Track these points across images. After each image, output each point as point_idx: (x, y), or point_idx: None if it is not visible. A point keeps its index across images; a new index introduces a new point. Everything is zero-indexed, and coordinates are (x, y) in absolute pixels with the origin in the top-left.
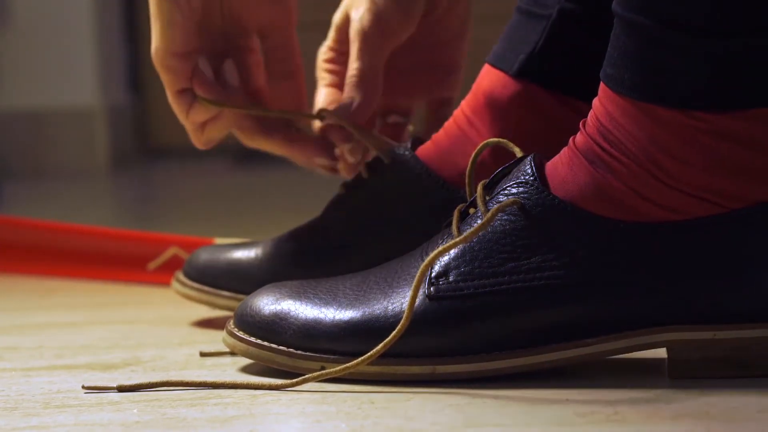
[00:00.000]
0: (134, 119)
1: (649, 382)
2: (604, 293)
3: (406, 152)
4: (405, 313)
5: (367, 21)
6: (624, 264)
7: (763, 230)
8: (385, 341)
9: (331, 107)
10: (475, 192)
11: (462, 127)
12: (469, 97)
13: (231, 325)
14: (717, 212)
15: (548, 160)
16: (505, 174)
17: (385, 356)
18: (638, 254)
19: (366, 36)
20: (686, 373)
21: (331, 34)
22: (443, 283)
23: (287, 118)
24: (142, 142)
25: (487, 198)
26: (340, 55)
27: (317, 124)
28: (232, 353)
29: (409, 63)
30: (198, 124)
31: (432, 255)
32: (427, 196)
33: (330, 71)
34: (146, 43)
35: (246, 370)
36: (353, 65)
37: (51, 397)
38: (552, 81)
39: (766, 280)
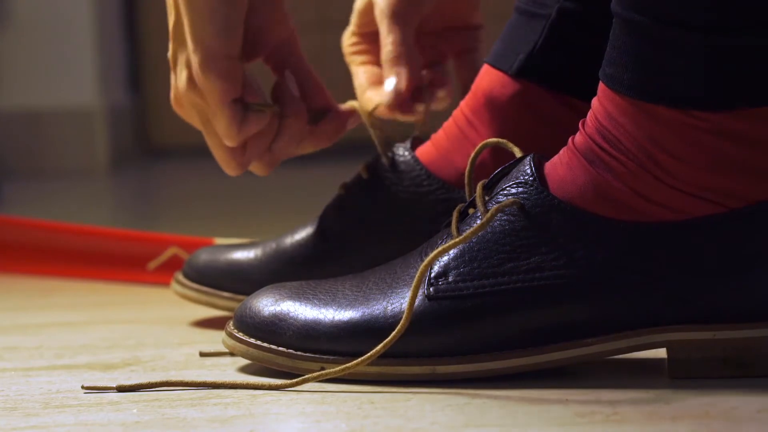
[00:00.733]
0: (134, 119)
1: (649, 382)
2: (604, 293)
3: (406, 152)
4: (404, 313)
5: None
6: (624, 264)
7: (763, 229)
8: (384, 341)
9: (376, 86)
10: (475, 192)
11: (461, 127)
12: (468, 97)
13: (230, 326)
14: (717, 211)
15: (547, 160)
16: (504, 174)
17: (384, 356)
18: (638, 254)
19: (395, 12)
20: (686, 373)
21: (354, 19)
22: (443, 284)
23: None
24: (142, 142)
25: (487, 198)
26: (366, 36)
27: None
28: (232, 353)
29: (430, 27)
30: (245, 139)
31: (431, 255)
32: (427, 196)
33: (360, 52)
34: (146, 43)
35: (246, 370)
36: (387, 41)
37: (51, 397)
38: (551, 80)
39: (766, 280)
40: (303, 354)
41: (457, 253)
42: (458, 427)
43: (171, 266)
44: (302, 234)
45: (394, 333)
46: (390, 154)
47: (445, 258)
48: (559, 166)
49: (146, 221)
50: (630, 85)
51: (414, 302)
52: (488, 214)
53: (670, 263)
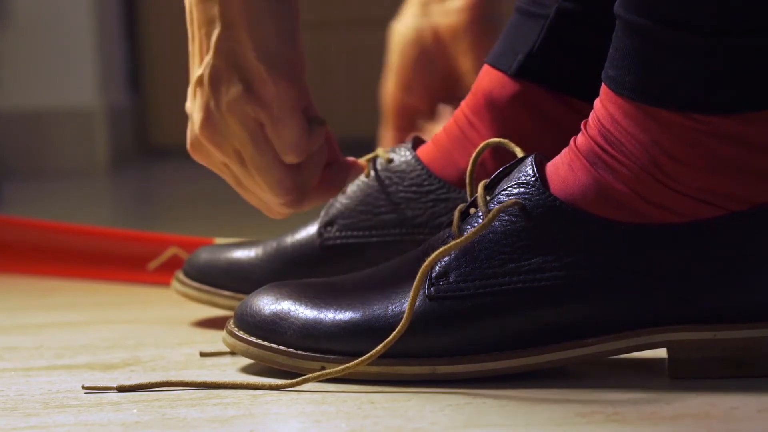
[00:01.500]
0: (134, 119)
1: (649, 382)
2: (605, 294)
3: (407, 152)
4: (405, 313)
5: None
6: (624, 265)
7: (763, 231)
8: (385, 341)
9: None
10: (476, 192)
11: (462, 128)
12: (469, 97)
13: (231, 324)
14: (718, 214)
15: (549, 161)
16: (505, 174)
17: (385, 356)
18: (639, 255)
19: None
20: (686, 373)
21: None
22: (444, 284)
23: None
24: (142, 142)
25: (488, 198)
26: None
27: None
28: (232, 353)
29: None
30: (307, 154)
31: (433, 255)
32: (427, 195)
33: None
34: (146, 43)
35: (246, 370)
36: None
37: (51, 397)
38: (550, 80)
39: (766, 281)
40: (303, 353)
41: (458, 254)
42: (458, 427)
43: (171, 266)
44: (303, 233)
45: (394, 333)
46: (391, 153)
47: (446, 258)
48: (561, 166)
49: (146, 221)
50: (632, 87)
51: (415, 302)
52: (490, 215)
53: (670, 264)
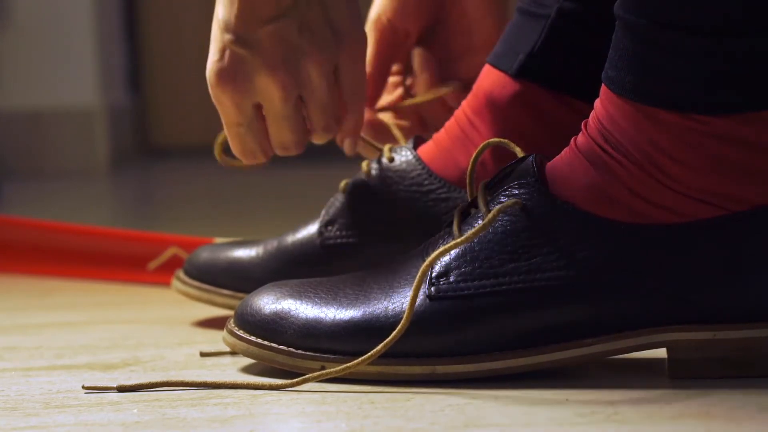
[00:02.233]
0: (134, 119)
1: (649, 382)
2: (605, 294)
3: (408, 152)
4: (405, 313)
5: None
6: (624, 265)
7: (763, 232)
8: (385, 341)
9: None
10: (476, 192)
11: (463, 127)
12: (470, 97)
13: (231, 324)
14: (717, 214)
15: (549, 161)
16: (506, 174)
17: (385, 356)
18: (639, 255)
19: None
20: (686, 373)
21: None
22: (444, 284)
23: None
24: (142, 142)
25: (488, 198)
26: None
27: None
28: (232, 353)
29: (445, 51)
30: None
31: (433, 255)
32: (428, 195)
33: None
34: (146, 43)
35: (246, 370)
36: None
37: (51, 397)
38: (551, 81)
39: (766, 281)
40: (303, 353)
41: (458, 253)
42: (458, 427)
43: (171, 266)
44: (303, 233)
45: (394, 333)
46: (392, 153)
47: (447, 258)
48: (561, 166)
49: (146, 221)
50: (631, 88)
51: (415, 302)
52: (490, 215)
53: (670, 264)
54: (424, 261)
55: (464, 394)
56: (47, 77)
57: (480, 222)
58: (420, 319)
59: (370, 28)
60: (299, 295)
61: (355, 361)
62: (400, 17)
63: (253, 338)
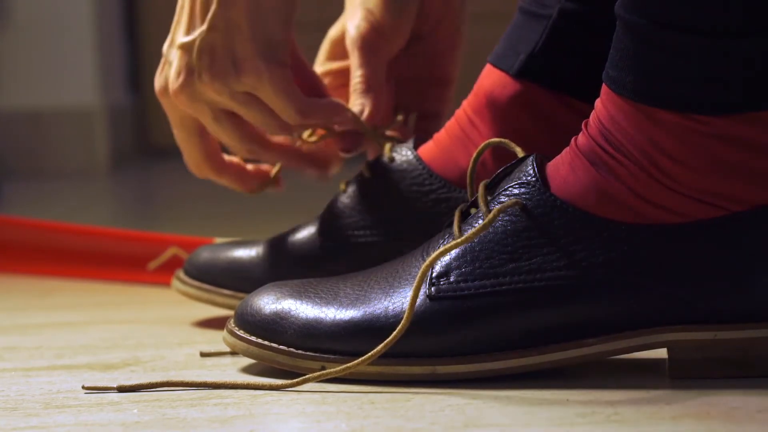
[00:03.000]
0: (134, 119)
1: (649, 382)
2: (605, 294)
3: (408, 151)
4: (406, 313)
5: (365, 29)
6: (625, 265)
7: (764, 232)
8: (385, 341)
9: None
10: (476, 192)
11: (463, 127)
12: (470, 96)
13: (231, 324)
14: (718, 214)
15: (549, 161)
16: (506, 174)
17: (385, 356)
18: (639, 256)
19: (365, 43)
20: (686, 373)
21: (325, 46)
22: (444, 284)
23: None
24: (142, 142)
25: (489, 198)
26: (335, 74)
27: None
28: (233, 353)
29: (404, 75)
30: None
31: (433, 255)
32: (428, 195)
33: (329, 83)
34: (146, 43)
35: (246, 370)
36: (357, 73)
37: (51, 397)
38: (552, 81)
39: (766, 282)
40: (304, 353)
41: (458, 253)
42: (458, 427)
43: (171, 266)
44: (304, 232)
45: (395, 333)
46: (392, 152)
47: (447, 258)
48: (562, 166)
49: (146, 221)
50: (632, 88)
51: (415, 302)
52: (490, 215)
53: (670, 264)
54: (425, 261)
55: (464, 394)
56: (47, 77)
57: (480, 222)
58: (420, 319)
59: (352, 45)
60: (299, 295)
61: (356, 362)
62: (389, 30)
63: (253, 338)
